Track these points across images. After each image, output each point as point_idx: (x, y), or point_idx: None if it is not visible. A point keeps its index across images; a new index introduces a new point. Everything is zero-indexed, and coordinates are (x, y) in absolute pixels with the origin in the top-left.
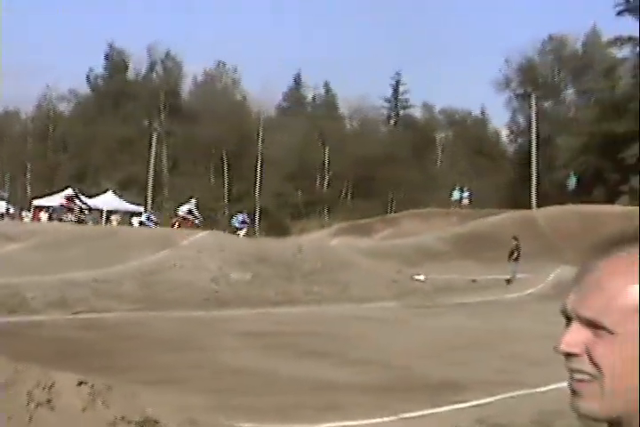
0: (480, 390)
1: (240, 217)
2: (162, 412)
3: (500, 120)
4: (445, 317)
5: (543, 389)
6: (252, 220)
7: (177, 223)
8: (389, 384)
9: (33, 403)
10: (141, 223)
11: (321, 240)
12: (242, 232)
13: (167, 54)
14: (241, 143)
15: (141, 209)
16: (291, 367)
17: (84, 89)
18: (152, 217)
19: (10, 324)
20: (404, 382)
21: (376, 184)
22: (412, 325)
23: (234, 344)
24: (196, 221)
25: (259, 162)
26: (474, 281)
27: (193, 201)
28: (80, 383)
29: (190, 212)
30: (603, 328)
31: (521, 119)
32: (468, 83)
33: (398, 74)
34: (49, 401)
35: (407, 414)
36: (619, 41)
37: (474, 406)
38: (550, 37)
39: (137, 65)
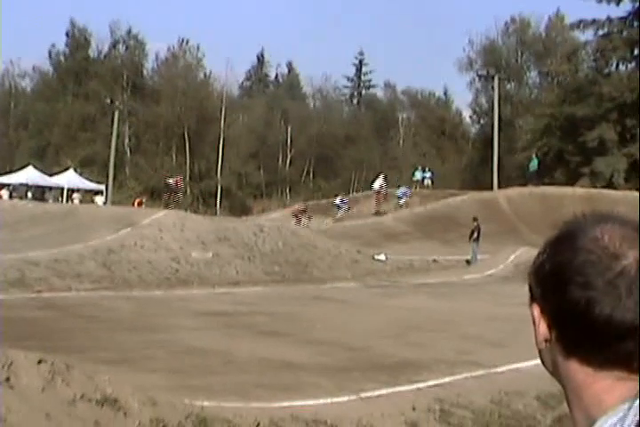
0: (439, 371)
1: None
2: (121, 391)
3: (462, 101)
4: (406, 297)
5: (501, 369)
6: (216, 199)
7: (138, 202)
8: (349, 364)
9: None
10: (338, 207)
11: (282, 220)
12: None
13: (129, 32)
14: (203, 122)
15: (102, 187)
16: (250, 347)
17: (47, 66)
18: (345, 200)
19: None
20: (364, 362)
21: (338, 164)
22: (373, 305)
23: (193, 324)
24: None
25: (220, 141)
26: (434, 261)
27: (382, 176)
28: (40, 362)
29: (382, 187)
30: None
31: (484, 101)
32: (432, 63)
33: (361, 53)
34: (8, 380)
35: (366, 394)
36: (582, 24)
37: (433, 386)
38: (512, 19)
39: (99, 42)
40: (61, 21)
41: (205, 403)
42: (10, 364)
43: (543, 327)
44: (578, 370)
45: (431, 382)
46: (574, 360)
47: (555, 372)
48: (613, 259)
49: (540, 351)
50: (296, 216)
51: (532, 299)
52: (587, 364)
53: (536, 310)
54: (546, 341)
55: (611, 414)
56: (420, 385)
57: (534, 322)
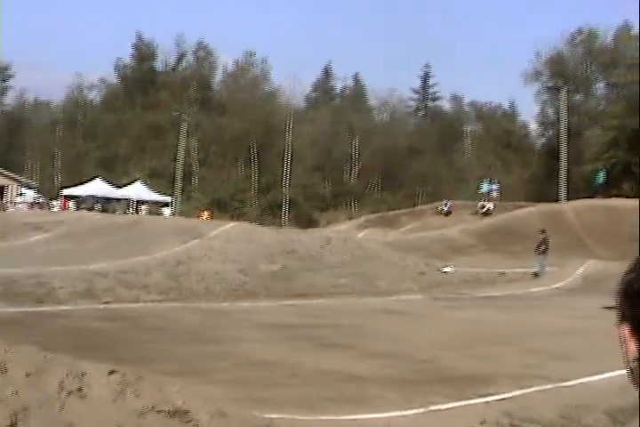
0: (506, 384)
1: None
2: (191, 403)
3: (528, 113)
4: (472, 309)
5: (569, 383)
6: (283, 211)
7: (208, 215)
8: (415, 377)
9: (64, 392)
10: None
11: (348, 232)
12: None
13: (200, 44)
14: (269, 135)
15: (169, 199)
16: (315, 360)
17: (114, 78)
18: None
19: (37, 314)
20: (431, 375)
21: (404, 176)
22: (439, 317)
23: (259, 336)
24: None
25: (287, 153)
26: (502, 274)
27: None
28: (111, 373)
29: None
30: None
31: (550, 112)
32: (498, 75)
33: (427, 66)
34: (80, 390)
35: (435, 407)
36: None
37: (501, 400)
38: (579, 30)
39: (165, 55)
40: (127, 34)
41: (274, 415)
42: (81, 375)
43: (633, 347)
44: None
45: (499, 396)
46: None
47: None
48: None
49: (630, 370)
50: None
51: (622, 318)
52: None
53: (626, 330)
54: (634, 360)
55: None
56: (489, 399)
57: (623, 341)
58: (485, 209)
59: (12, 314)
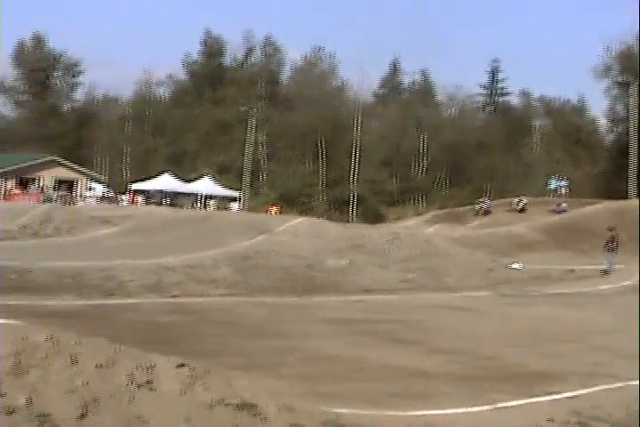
0: (574, 382)
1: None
2: (259, 396)
3: (598, 109)
4: (539, 306)
5: (637, 382)
6: (349, 206)
7: (276, 210)
8: (481, 373)
9: (133, 384)
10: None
11: (416, 228)
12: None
13: (267, 40)
14: (337, 129)
15: (237, 194)
16: (380, 355)
17: (181, 74)
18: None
19: (105, 306)
20: (496, 372)
21: (472, 172)
22: (506, 314)
23: (324, 331)
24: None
25: (354, 148)
26: (571, 271)
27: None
28: (179, 366)
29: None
30: None
31: (620, 108)
32: (567, 70)
33: (496, 61)
34: (149, 382)
35: (502, 404)
36: None
37: (568, 398)
38: None
39: (234, 51)
40: (195, 31)
41: (343, 410)
42: (151, 367)
43: None
44: None
45: (567, 394)
46: None
47: None
48: None
49: None
50: None
51: None
52: None
53: None
54: None
55: None
56: (556, 397)
57: None
58: (522, 205)
59: (80, 307)
